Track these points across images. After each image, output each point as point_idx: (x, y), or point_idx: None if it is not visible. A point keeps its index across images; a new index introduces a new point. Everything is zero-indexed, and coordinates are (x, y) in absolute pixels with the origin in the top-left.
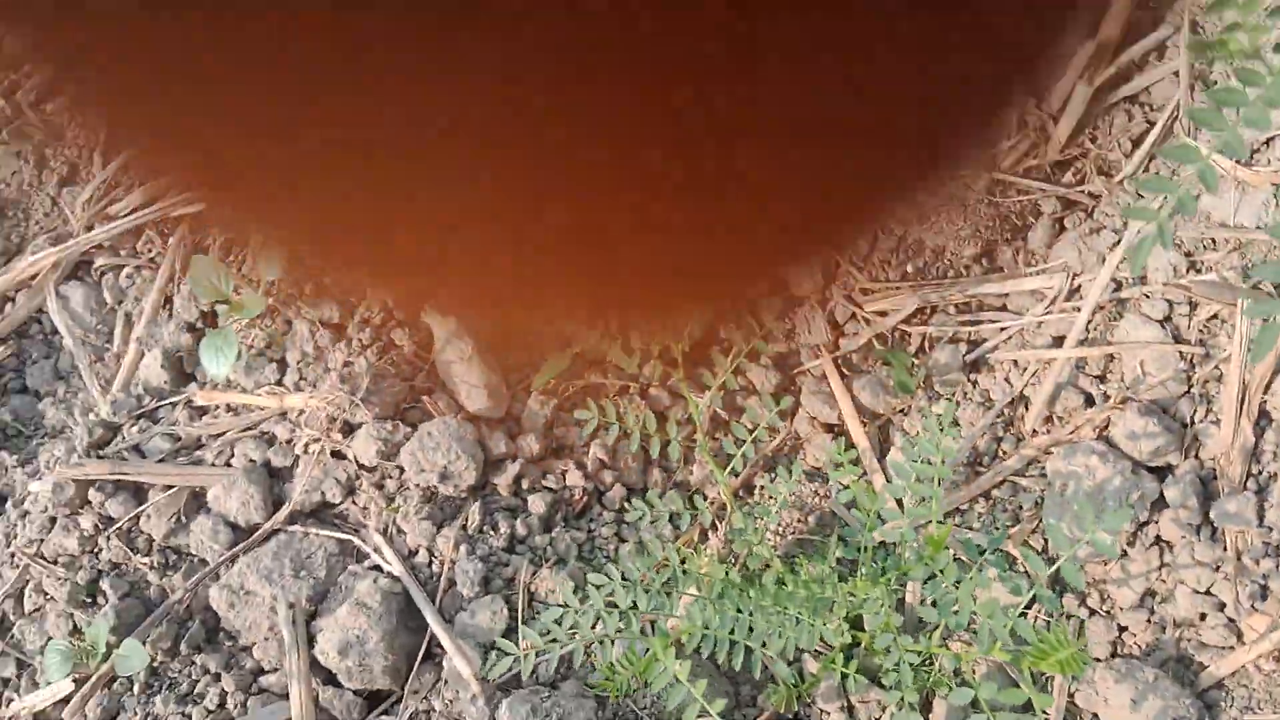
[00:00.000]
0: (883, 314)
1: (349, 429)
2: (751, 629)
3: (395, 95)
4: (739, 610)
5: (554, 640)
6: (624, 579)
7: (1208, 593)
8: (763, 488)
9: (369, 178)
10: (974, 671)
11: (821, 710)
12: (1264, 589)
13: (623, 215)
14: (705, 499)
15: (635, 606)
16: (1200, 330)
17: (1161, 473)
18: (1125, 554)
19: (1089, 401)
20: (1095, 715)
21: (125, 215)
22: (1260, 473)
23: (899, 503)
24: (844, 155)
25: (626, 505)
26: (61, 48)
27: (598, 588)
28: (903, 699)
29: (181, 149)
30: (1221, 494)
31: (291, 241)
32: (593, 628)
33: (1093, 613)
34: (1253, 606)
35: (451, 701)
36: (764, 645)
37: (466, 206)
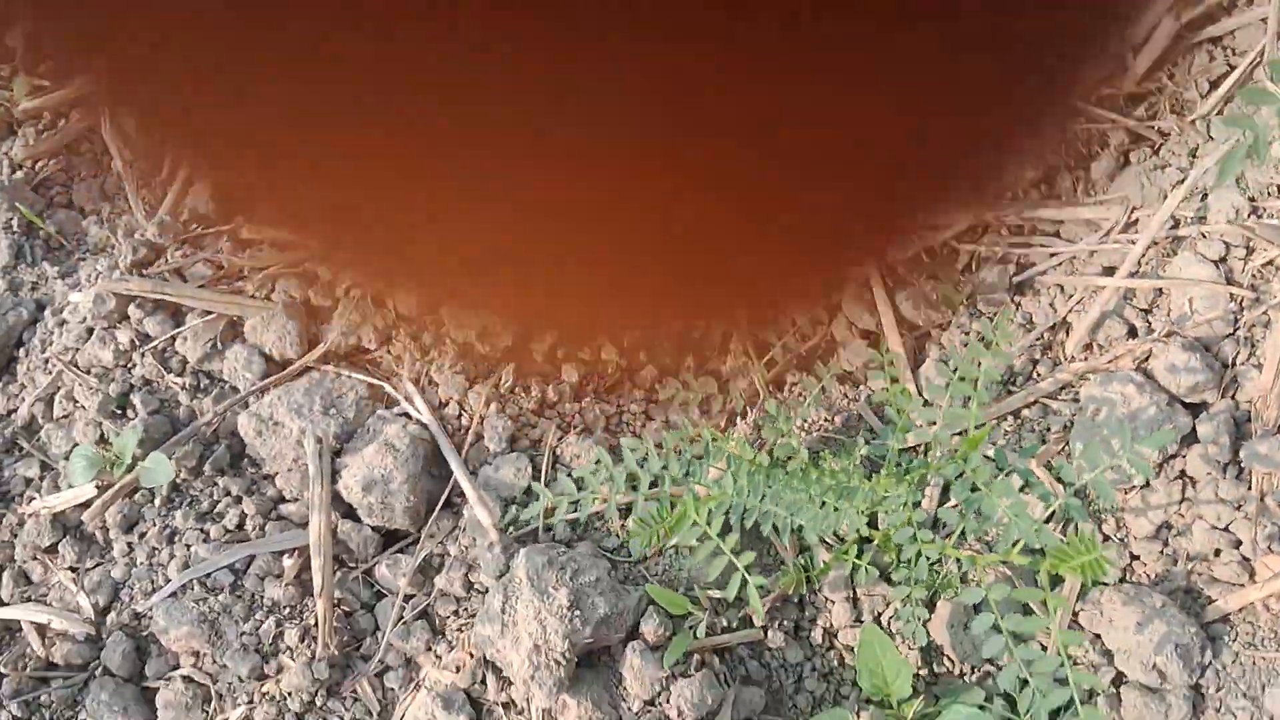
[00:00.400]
0: (935, 227)
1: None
2: (778, 502)
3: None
4: (768, 485)
5: (582, 494)
6: (657, 445)
7: (1226, 529)
8: (795, 384)
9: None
10: (982, 579)
11: (827, 598)
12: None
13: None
14: (737, 388)
15: (666, 468)
16: (1254, 275)
17: (1196, 409)
18: (1148, 484)
19: (1132, 333)
20: (1098, 636)
21: None
22: None
23: (933, 407)
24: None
25: (657, 386)
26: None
27: (631, 450)
28: (910, 594)
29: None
30: (1254, 435)
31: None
32: (623, 490)
33: (1107, 539)
34: (1269, 547)
35: (468, 548)
36: (792, 516)
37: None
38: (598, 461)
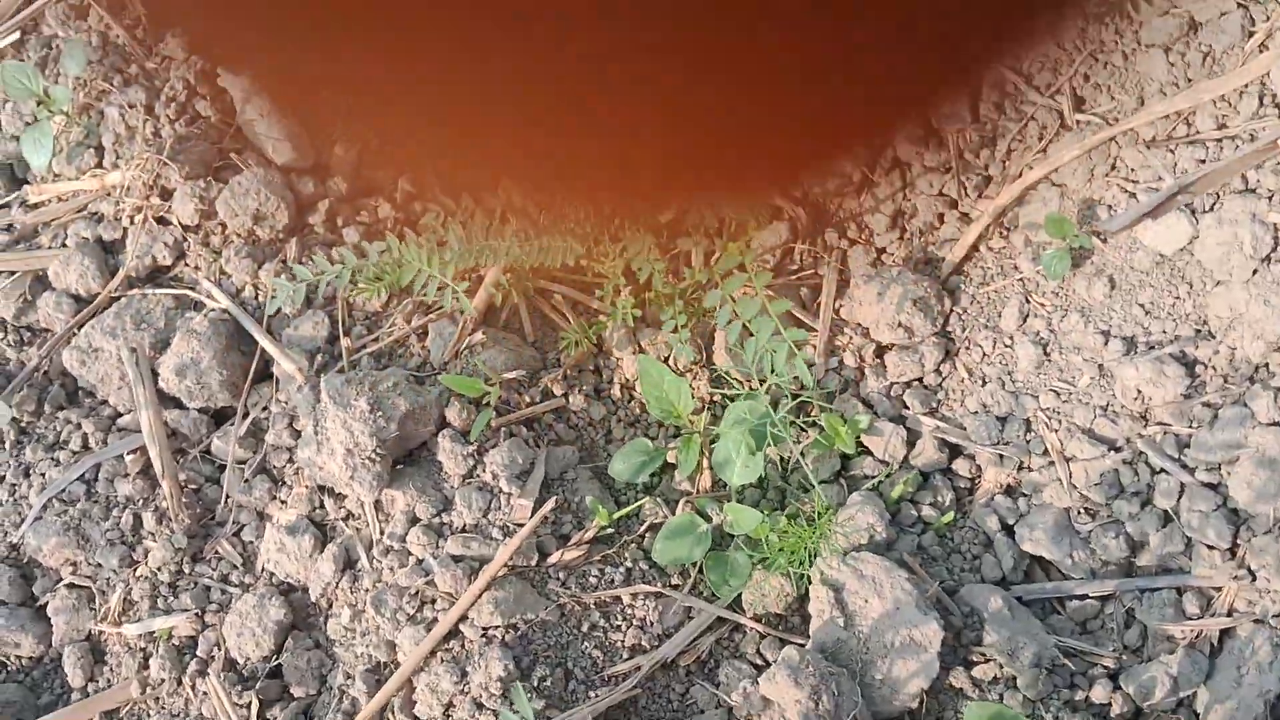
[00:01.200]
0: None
1: (166, 194)
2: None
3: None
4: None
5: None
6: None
7: (940, 194)
8: None
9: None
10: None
11: (617, 357)
12: (987, 178)
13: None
14: None
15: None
16: None
17: None
18: (873, 178)
19: None
20: (859, 323)
21: None
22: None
23: None
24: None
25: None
26: None
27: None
28: (676, 324)
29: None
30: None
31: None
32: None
33: (853, 242)
34: (979, 194)
35: (285, 401)
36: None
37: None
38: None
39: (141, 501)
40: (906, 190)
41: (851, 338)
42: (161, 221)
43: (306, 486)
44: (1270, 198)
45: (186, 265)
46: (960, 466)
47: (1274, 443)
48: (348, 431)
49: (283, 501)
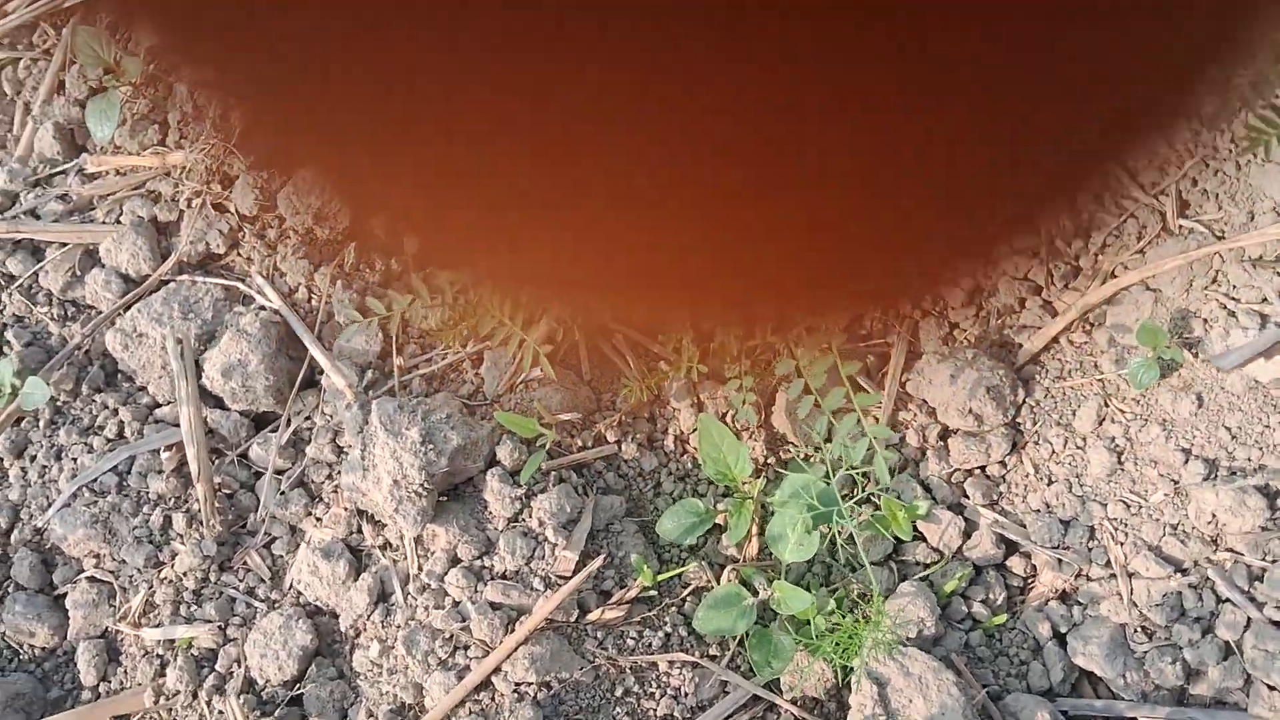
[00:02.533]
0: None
1: (228, 181)
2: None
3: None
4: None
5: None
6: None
7: (1025, 278)
8: None
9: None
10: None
11: (674, 408)
12: (1075, 269)
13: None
14: None
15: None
16: None
17: None
18: None
19: None
20: (925, 400)
21: (19, 10)
22: None
23: None
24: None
25: None
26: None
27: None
28: (741, 384)
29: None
30: None
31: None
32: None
33: (926, 314)
34: (1065, 285)
35: (332, 416)
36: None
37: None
38: (445, 319)
39: (174, 501)
40: (988, 267)
41: (916, 415)
42: (219, 208)
43: (345, 509)
44: None
45: (240, 255)
46: (1015, 564)
47: None
48: (396, 462)
49: (318, 519)
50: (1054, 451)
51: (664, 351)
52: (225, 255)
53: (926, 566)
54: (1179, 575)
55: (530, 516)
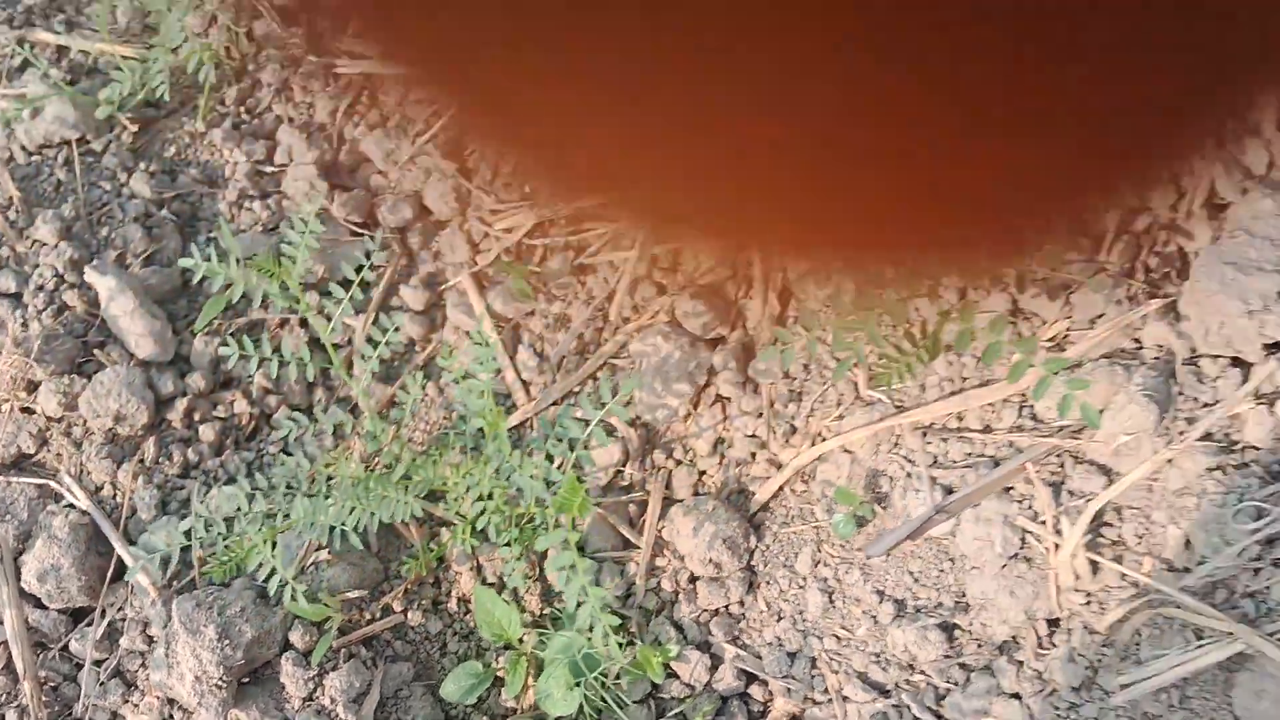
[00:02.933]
0: (509, 230)
1: (32, 386)
2: (359, 511)
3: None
4: (359, 499)
5: (216, 541)
6: (270, 486)
7: (754, 435)
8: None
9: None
10: (574, 523)
11: (456, 571)
12: (792, 427)
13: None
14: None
15: (273, 515)
16: None
17: (714, 343)
18: (697, 410)
19: (661, 290)
20: (676, 547)
21: None
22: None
23: (526, 389)
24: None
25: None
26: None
27: (249, 495)
28: (511, 552)
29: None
30: (756, 354)
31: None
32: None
33: (679, 463)
34: (786, 441)
35: (140, 609)
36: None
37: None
38: (237, 508)
39: (5, 697)
40: (726, 423)
41: (670, 561)
42: (26, 411)
43: (157, 697)
44: (1021, 502)
45: (49, 452)
46: (756, 692)
47: (1015, 714)
48: (196, 659)
49: (135, 705)
50: (781, 590)
51: (447, 515)
52: (36, 453)
53: (680, 701)
54: (883, 698)
55: (323, 694)
